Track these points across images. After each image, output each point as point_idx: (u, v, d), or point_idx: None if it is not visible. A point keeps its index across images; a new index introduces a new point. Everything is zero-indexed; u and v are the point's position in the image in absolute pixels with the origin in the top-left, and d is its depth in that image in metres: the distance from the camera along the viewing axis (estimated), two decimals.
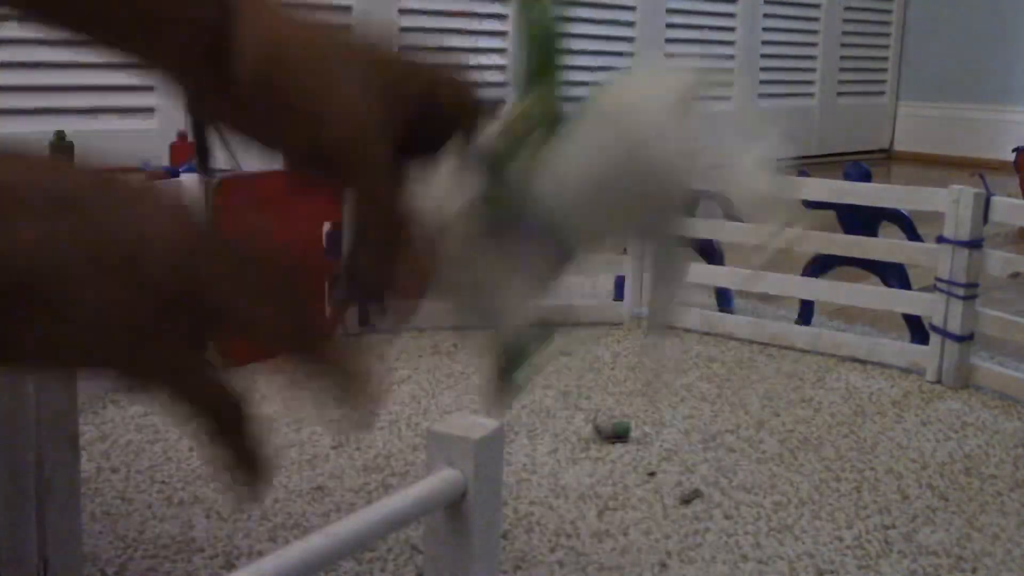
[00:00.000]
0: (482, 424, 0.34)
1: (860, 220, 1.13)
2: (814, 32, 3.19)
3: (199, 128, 0.47)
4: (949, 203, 1.03)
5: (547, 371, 1.05)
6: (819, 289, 1.16)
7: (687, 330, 1.21)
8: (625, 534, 0.71)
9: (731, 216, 1.22)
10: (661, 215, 0.48)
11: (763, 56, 3.03)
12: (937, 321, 1.05)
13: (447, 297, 0.48)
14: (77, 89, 1.77)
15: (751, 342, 1.18)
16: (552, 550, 0.69)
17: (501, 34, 2.37)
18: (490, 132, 0.46)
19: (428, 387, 1.00)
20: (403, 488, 0.34)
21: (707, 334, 1.20)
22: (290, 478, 0.78)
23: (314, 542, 0.29)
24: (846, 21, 3.26)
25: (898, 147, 3.52)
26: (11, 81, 1.70)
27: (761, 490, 0.79)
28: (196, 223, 0.38)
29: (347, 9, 2.09)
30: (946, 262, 1.04)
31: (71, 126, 1.57)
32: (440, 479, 0.33)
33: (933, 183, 1.10)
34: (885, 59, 3.47)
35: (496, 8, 2.35)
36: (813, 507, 0.77)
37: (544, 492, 0.78)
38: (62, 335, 0.34)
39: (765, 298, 1.35)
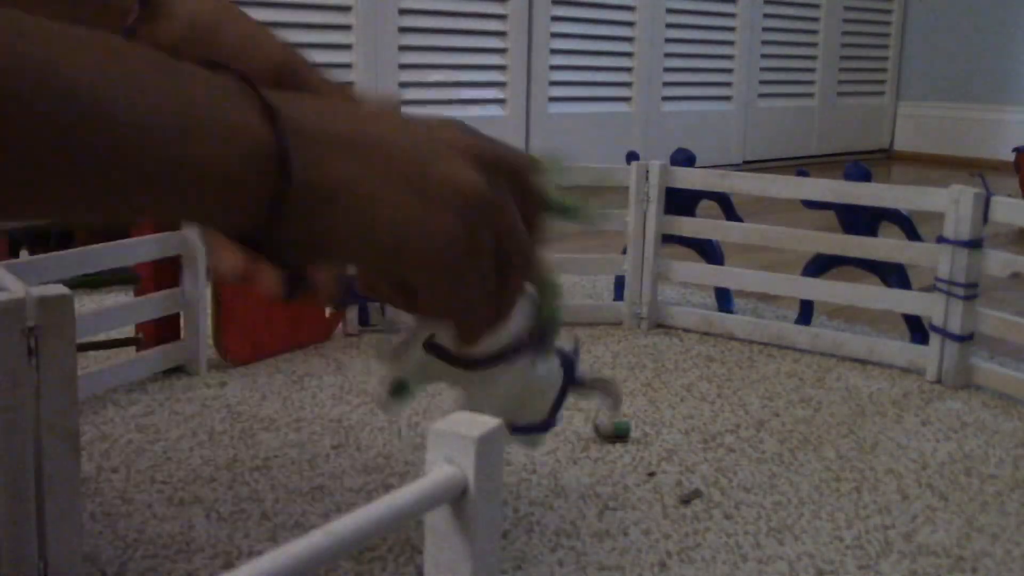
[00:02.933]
0: (483, 422, 0.34)
1: (860, 220, 1.13)
2: (814, 32, 3.19)
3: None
4: (949, 203, 1.04)
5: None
6: (819, 289, 1.16)
7: (687, 330, 1.21)
8: (625, 534, 0.72)
9: (731, 216, 1.23)
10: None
11: (763, 56, 3.03)
12: (937, 321, 1.05)
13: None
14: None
15: (751, 342, 1.18)
16: (552, 550, 0.69)
17: (501, 34, 2.37)
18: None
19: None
20: (404, 486, 0.34)
21: (707, 334, 1.20)
22: (290, 478, 0.78)
23: (314, 540, 0.30)
24: (846, 21, 3.27)
25: (898, 147, 3.52)
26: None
27: (761, 490, 0.79)
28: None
29: (347, 9, 2.09)
30: (946, 262, 1.04)
31: None
32: (441, 476, 0.33)
33: (933, 183, 1.10)
34: (885, 59, 3.47)
35: (496, 9, 2.35)
36: (813, 507, 0.77)
37: (544, 492, 0.78)
38: (390, 249, 0.43)
39: (765, 298, 1.35)
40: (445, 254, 0.44)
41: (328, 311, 1.14)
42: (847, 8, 3.26)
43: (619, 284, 1.26)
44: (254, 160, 0.39)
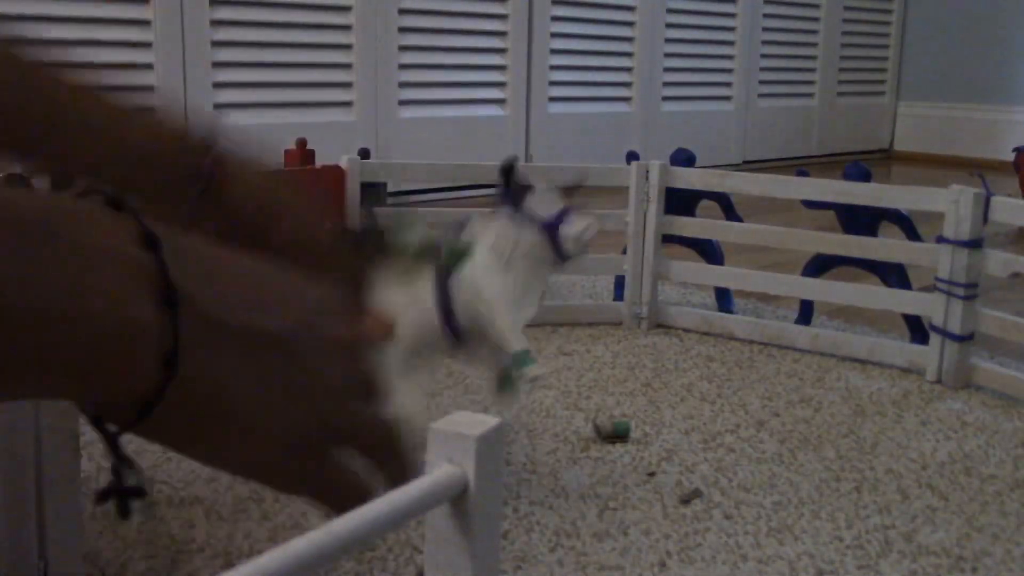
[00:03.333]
0: (483, 421, 0.34)
1: (860, 220, 1.13)
2: (814, 32, 3.19)
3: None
4: (949, 203, 1.04)
5: (547, 371, 1.05)
6: (819, 289, 1.16)
7: (687, 330, 1.21)
8: (625, 534, 0.71)
9: (731, 216, 1.23)
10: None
11: (763, 56, 3.03)
12: (937, 321, 1.05)
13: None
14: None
15: (751, 342, 1.18)
16: (552, 550, 0.69)
17: (501, 34, 2.37)
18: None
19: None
20: (404, 486, 0.34)
21: (707, 334, 1.20)
22: None
23: (315, 539, 0.29)
24: (846, 21, 3.27)
25: (898, 147, 3.52)
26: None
27: (761, 490, 0.79)
28: (369, 388, 0.47)
29: (347, 9, 2.09)
30: (946, 262, 1.04)
31: None
32: (441, 475, 0.33)
33: (933, 183, 1.10)
34: (885, 59, 3.47)
35: (496, 9, 2.35)
36: (813, 507, 0.77)
37: (544, 492, 0.78)
38: (241, 448, 0.41)
39: (765, 298, 1.35)
40: (288, 460, 0.43)
41: None
42: (847, 8, 3.26)
43: (619, 284, 1.26)
44: (142, 351, 0.36)
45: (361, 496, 0.43)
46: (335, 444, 0.45)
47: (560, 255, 0.75)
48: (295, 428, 0.42)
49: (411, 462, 0.48)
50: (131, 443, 0.86)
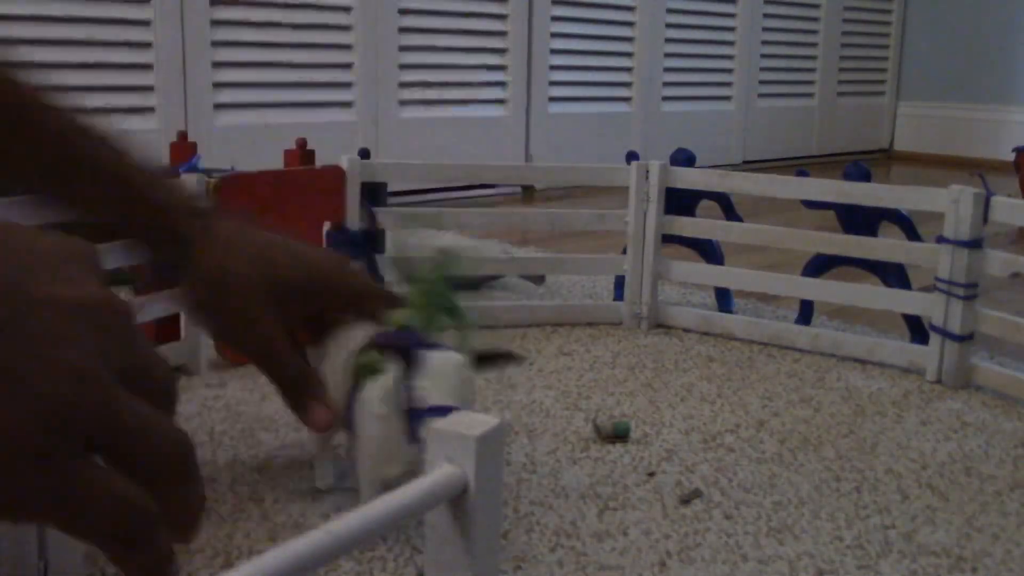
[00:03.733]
0: (483, 421, 0.34)
1: (860, 220, 1.13)
2: (814, 32, 3.19)
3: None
4: (949, 203, 1.03)
5: (547, 371, 1.05)
6: (819, 289, 1.16)
7: (687, 330, 1.21)
8: (625, 534, 0.71)
9: (731, 216, 1.23)
10: None
11: (763, 56, 3.03)
12: (937, 321, 1.05)
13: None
14: (78, 89, 1.77)
15: (751, 342, 1.18)
16: (552, 550, 0.69)
17: (501, 34, 2.37)
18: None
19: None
20: (404, 486, 0.34)
21: (707, 334, 1.20)
22: (290, 478, 0.78)
23: (315, 539, 0.29)
24: (846, 21, 3.27)
25: (898, 147, 3.52)
26: None
27: (761, 490, 0.79)
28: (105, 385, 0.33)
29: (347, 9, 2.09)
30: (946, 262, 1.04)
31: None
32: (441, 475, 0.33)
33: (933, 183, 1.10)
34: (885, 59, 3.47)
35: (496, 9, 2.35)
36: (813, 507, 0.77)
37: (544, 492, 0.78)
38: None
39: (765, 298, 1.35)
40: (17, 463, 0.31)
41: None
42: (847, 8, 3.26)
43: (619, 284, 1.26)
44: None
45: (134, 512, 0.32)
46: (84, 446, 0.32)
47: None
48: (4, 434, 0.30)
49: (196, 494, 0.35)
50: None
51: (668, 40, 2.75)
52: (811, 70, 3.22)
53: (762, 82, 3.05)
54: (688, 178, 1.20)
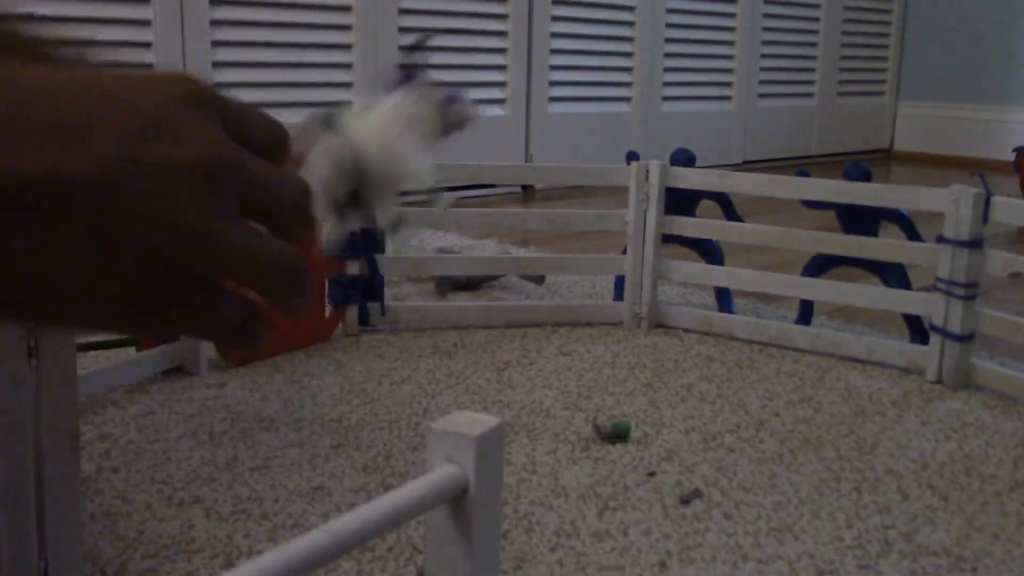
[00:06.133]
0: (483, 421, 0.34)
1: (860, 220, 1.13)
2: (814, 32, 3.19)
3: None
4: (949, 203, 1.03)
5: (547, 371, 1.05)
6: (819, 289, 1.16)
7: (687, 330, 1.21)
8: (625, 534, 0.71)
9: (731, 216, 1.23)
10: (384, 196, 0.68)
11: (763, 56, 3.03)
12: (937, 321, 1.05)
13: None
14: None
15: (751, 342, 1.18)
16: (552, 550, 0.69)
17: (501, 34, 2.37)
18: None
19: (428, 387, 1.00)
20: (404, 486, 0.34)
21: (707, 334, 1.20)
22: (290, 478, 0.78)
23: (315, 539, 0.29)
24: (846, 21, 3.27)
25: (898, 147, 3.52)
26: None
27: (761, 490, 0.79)
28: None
29: (347, 9, 2.09)
30: (946, 262, 1.04)
31: None
32: (441, 475, 0.33)
33: (933, 183, 1.10)
34: (885, 59, 3.47)
35: (496, 9, 2.35)
36: (813, 507, 0.77)
37: (544, 492, 0.78)
38: (60, 311, 0.33)
39: (765, 298, 1.35)
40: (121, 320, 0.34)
41: (328, 311, 1.14)
42: (847, 8, 3.26)
43: (619, 284, 1.26)
44: None
45: (252, 315, 0.37)
46: (204, 271, 0.35)
47: (449, 126, 0.77)
48: (128, 277, 0.33)
49: (307, 289, 0.38)
50: (130, 444, 0.86)
51: (668, 40, 2.75)
52: (811, 70, 3.22)
53: (762, 82, 3.05)
54: (688, 178, 1.20)
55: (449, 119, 0.76)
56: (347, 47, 2.11)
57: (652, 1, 2.67)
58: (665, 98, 2.78)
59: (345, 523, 0.31)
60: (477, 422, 0.34)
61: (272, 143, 0.39)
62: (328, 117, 0.69)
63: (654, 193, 1.20)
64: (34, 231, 0.30)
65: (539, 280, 1.38)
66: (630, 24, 2.66)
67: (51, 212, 0.31)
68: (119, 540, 0.68)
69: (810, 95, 3.24)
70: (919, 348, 1.09)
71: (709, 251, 1.26)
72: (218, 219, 0.34)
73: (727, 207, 1.23)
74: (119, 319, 0.34)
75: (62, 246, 0.31)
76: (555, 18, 2.47)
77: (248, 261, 0.35)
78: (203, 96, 0.36)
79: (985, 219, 1.03)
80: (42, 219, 0.30)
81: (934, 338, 1.06)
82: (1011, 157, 2.27)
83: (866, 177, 1.13)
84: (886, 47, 3.46)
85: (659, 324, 1.23)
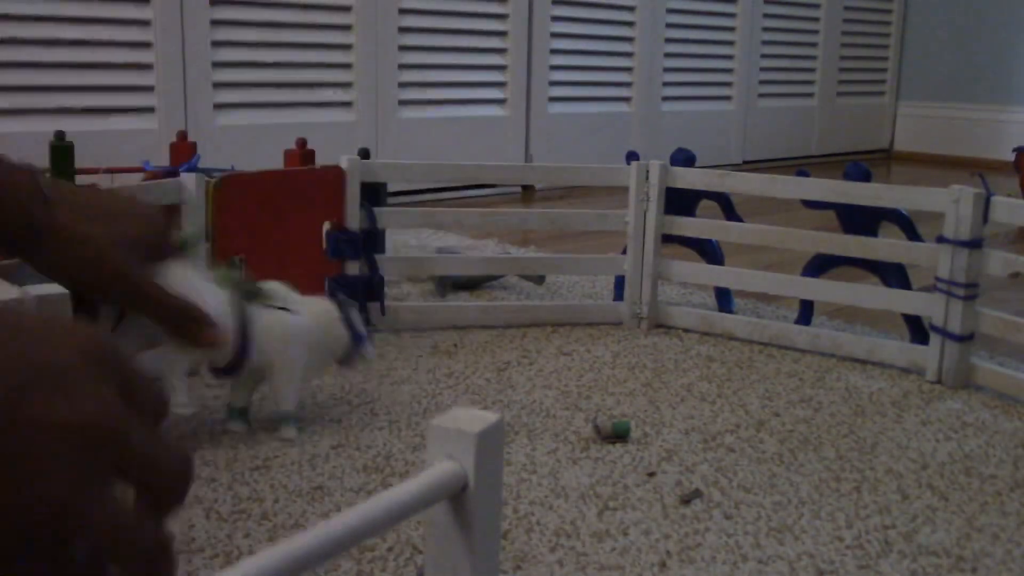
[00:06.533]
0: (483, 418, 0.34)
1: (860, 220, 1.13)
2: (814, 32, 3.19)
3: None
4: (949, 203, 1.03)
5: (547, 371, 1.05)
6: (819, 289, 1.16)
7: (687, 330, 1.21)
8: (625, 534, 0.71)
9: (731, 216, 1.23)
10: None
11: (763, 56, 3.03)
12: (937, 321, 1.05)
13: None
14: (77, 89, 1.77)
15: (751, 342, 1.18)
16: (552, 550, 0.69)
17: (501, 34, 2.37)
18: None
19: (428, 387, 1.00)
20: (404, 482, 0.34)
21: (707, 334, 1.20)
22: (290, 478, 0.78)
23: (315, 539, 0.29)
24: (846, 21, 3.27)
25: (898, 147, 3.52)
26: (11, 81, 1.70)
27: (761, 490, 0.79)
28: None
29: (347, 9, 2.09)
30: (946, 262, 1.04)
31: (71, 126, 1.57)
32: (441, 472, 0.33)
33: (933, 183, 1.10)
34: (885, 59, 3.47)
35: (496, 9, 2.35)
36: (813, 507, 0.77)
37: (544, 492, 0.78)
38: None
39: (765, 298, 1.35)
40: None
41: None
42: (847, 8, 3.26)
43: (619, 284, 1.26)
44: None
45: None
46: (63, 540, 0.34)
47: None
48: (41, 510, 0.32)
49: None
50: None
51: (668, 40, 2.75)
52: (811, 70, 3.22)
53: (762, 82, 3.05)
54: (688, 178, 1.20)
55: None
56: (347, 47, 2.11)
57: (652, 1, 2.67)
58: (665, 98, 2.78)
59: (345, 520, 0.31)
60: (477, 418, 0.34)
61: (159, 409, 0.39)
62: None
63: (654, 193, 1.20)
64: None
65: (539, 280, 1.38)
66: (630, 24, 2.66)
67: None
68: None
69: (810, 95, 3.24)
70: (919, 348, 1.09)
71: (709, 251, 1.26)
72: (87, 490, 0.33)
73: (727, 207, 1.23)
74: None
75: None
76: (555, 18, 2.47)
77: (109, 539, 0.34)
78: (102, 354, 0.35)
79: (985, 219, 1.03)
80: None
81: (934, 338, 1.06)
82: (1011, 157, 2.27)
83: (866, 177, 1.13)
84: (886, 47, 3.46)
85: (659, 324, 1.23)
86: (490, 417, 0.34)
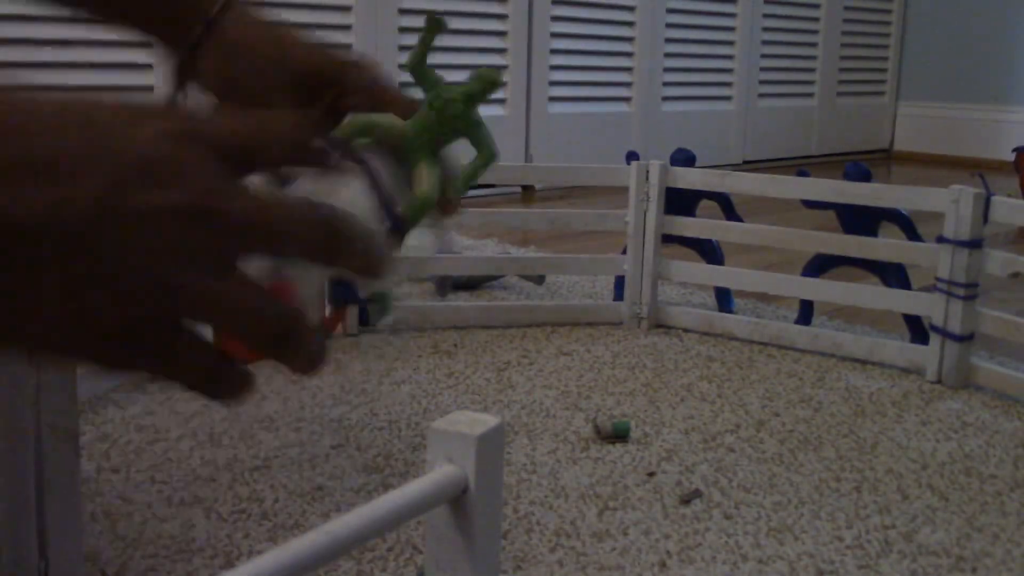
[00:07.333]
0: (483, 421, 0.34)
1: (860, 220, 1.13)
2: (814, 32, 3.19)
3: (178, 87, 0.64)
4: (949, 203, 1.03)
5: (547, 371, 1.05)
6: (819, 289, 1.16)
7: (687, 330, 1.21)
8: (625, 534, 0.71)
9: (731, 216, 1.23)
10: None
11: (763, 56, 3.03)
12: (937, 321, 1.05)
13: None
14: (76, 89, 1.77)
15: (751, 342, 1.18)
16: (552, 550, 0.69)
17: (501, 34, 2.37)
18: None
19: (428, 387, 1.00)
20: (404, 486, 0.34)
21: (707, 334, 1.20)
22: (290, 478, 0.78)
23: (315, 539, 0.29)
24: (846, 21, 3.26)
25: (898, 147, 3.52)
26: (10, 80, 1.70)
27: (761, 490, 0.79)
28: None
29: (347, 9, 2.09)
30: (946, 262, 1.04)
31: None
32: (441, 475, 0.33)
33: (933, 183, 1.10)
34: (885, 59, 3.47)
35: (496, 9, 2.35)
36: (813, 507, 0.77)
37: (544, 492, 0.78)
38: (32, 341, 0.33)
39: (765, 298, 1.35)
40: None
41: (328, 311, 1.14)
42: (847, 8, 3.25)
43: (619, 284, 1.26)
44: None
45: (220, 370, 0.36)
46: (182, 317, 0.35)
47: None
48: (100, 321, 0.32)
49: (312, 346, 0.37)
50: (130, 444, 0.86)
51: (668, 40, 2.75)
52: (811, 70, 3.22)
53: (762, 82, 3.05)
54: (688, 178, 1.20)
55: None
56: (347, 47, 2.11)
57: (652, 1, 2.67)
58: (665, 98, 2.77)
59: (345, 523, 0.31)
60: (477, 422, 0.34)
61: (293, 151, 0.38)
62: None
63: (654, 193, 1.20)
64: (9, 268, 0.30)
65: (539, 280, 1.38)
66: (630, 24, 2.65)
67: (27, 253, 0.30)
68: (119, 540, 0.68)
69: (810, 95, 3.24)
70: (919, 348, 1.09)
71: (709, 251, 1.26)
72: (198, 270, 0.33)
73: (727, 207, 1.23)
74: (92, 357, 0.34)
75: (37, 286, 0.31)
76: (555, 18, 2.47)
77: (230, 316, 0.34)
78: (196, 132, 0.34)
79: (985, 219, 1.03)
80: (17, 259, 0.30)
81: (934, 338, 1.06)
82: (1011, 157, 2.27)
83: (866, 177, 1.13)
84: (886, 47, 3.46)
85: (659, 324, 1.23)
86: (490, 420, 0.34)
